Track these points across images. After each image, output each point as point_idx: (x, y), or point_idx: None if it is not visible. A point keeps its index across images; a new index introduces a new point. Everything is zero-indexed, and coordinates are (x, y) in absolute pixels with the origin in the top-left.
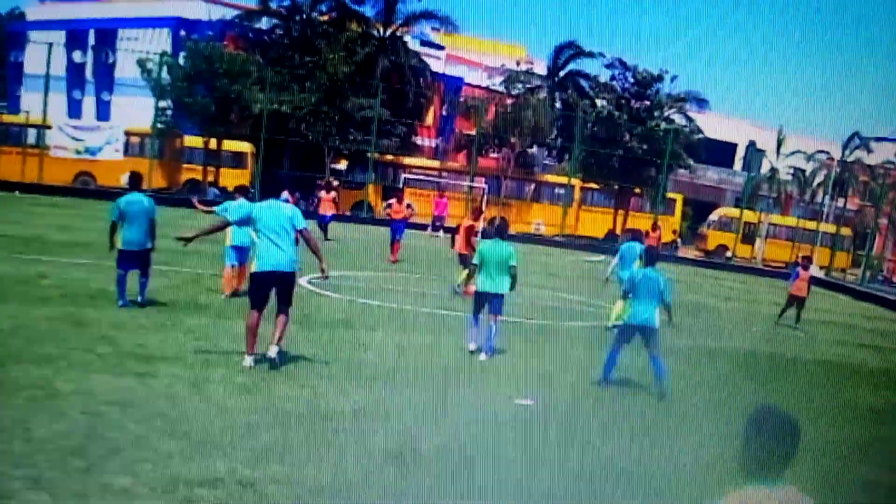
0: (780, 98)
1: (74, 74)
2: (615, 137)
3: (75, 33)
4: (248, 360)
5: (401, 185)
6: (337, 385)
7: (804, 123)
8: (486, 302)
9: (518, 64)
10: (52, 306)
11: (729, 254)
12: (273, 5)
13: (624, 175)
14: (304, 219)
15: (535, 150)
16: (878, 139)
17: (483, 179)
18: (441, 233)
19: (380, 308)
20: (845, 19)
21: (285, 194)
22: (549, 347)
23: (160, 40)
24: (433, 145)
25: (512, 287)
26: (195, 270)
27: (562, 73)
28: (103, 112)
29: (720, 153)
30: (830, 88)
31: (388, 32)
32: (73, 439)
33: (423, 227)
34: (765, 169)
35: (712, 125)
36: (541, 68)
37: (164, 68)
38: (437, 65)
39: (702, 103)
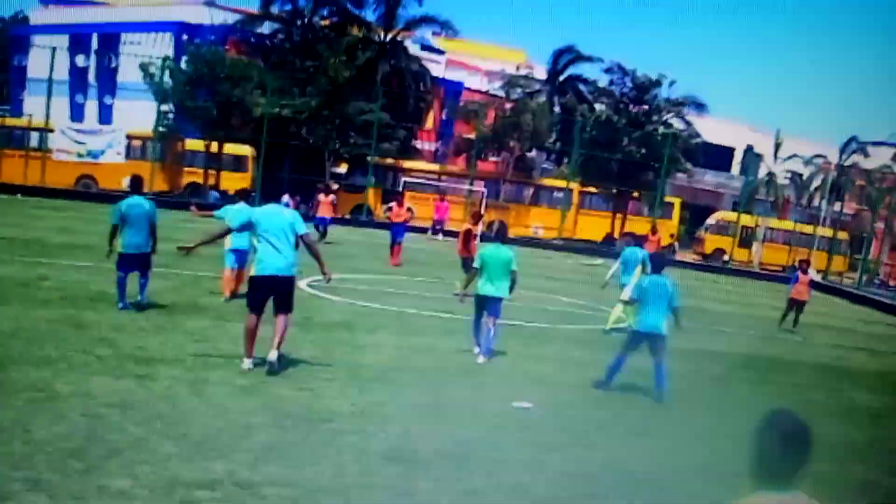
0: (777, 102)
1: (77, 78)
2: (614, 141)
3: (78, 37)
4: (247, 363)
5: (401, 189)
6: (336, 387)
7: (801, 128)
8: (485, 305)
9: (517, 68)
10: (53, 308)
11: (726, 257)
12: (275, 10)
13: (622, 179)
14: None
15: (534, 153)
16: (876, 143)
17: (482, 183)
18: (440, 236)
19: (380, 311)
20: (843, 24)
21: (286, 198)
22: (547, 350)
23: (163, 45)
24: (433, 149)
25: (511, 290)
26: (195, 273)
27: (561, 78)
28: (105, 116)
29: (718, 157)
30: (828, 93)
31: (389, 37)
32: (72, 441)
33: (422, 230)
34: (762, 173)
35: (710, 129)
36: (540, 73)
37: (167, 72)
38: (437, 69)
39: (700, 107)
